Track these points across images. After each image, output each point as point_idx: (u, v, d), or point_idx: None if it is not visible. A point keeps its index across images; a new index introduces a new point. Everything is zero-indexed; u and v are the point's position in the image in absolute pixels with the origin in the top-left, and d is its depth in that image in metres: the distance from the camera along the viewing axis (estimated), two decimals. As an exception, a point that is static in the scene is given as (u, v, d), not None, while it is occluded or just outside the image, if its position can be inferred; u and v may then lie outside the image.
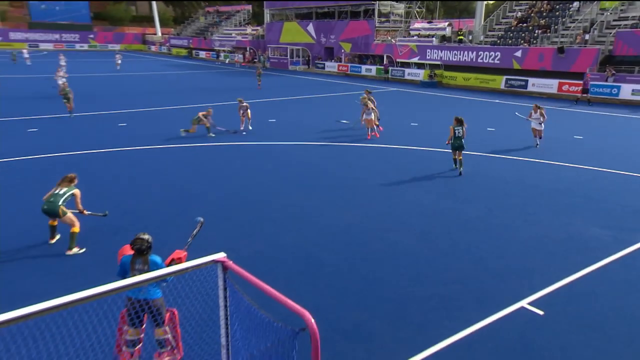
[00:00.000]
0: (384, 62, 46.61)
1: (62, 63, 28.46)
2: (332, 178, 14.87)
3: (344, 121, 19.31)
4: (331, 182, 14.41)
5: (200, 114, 20.07)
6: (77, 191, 9.51)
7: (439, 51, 42.64)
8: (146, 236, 5.99)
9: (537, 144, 18.80)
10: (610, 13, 36.76)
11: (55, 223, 9.60)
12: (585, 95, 30.76)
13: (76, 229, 9.27)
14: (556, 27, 38.25)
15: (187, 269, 3.97)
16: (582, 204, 12.76)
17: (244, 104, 21.27)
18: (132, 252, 6.21)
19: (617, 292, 8.41)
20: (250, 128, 21.49)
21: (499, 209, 12.32)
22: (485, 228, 11.12)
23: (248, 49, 64.07)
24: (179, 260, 6.33)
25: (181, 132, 20.03)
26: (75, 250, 9.25)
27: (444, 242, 10.37)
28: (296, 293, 3.49)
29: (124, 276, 5.83)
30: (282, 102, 30.41)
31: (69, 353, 5.72)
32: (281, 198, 12.96)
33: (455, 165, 15.45)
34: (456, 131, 14.89)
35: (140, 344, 6.25)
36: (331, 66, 52.06)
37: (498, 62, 38.30)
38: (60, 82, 28.39)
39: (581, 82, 32.65)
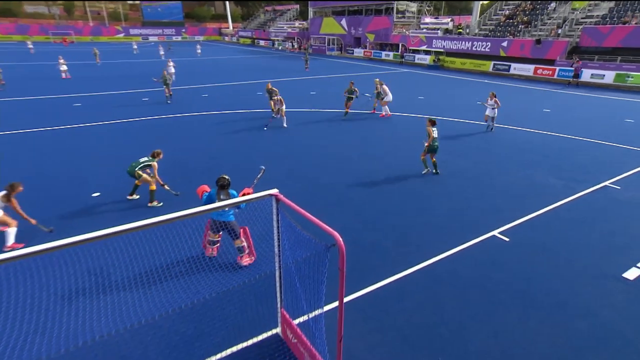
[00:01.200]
0: (400, 49, 44.75)
1: (171, 64, 26.57)
2: (358, 137, 14.70)
3: (367, 94, 18.82)
4: (357, 140, 14.25)
5: (274, 100, 15.87)
6: (154, 164, 8.86)
7: (443, 41, 40.53)
8: (227, 176, 6.45)
9: (492, 128, 15.59)
10: (579, 12, 33.94)
11: (139, 183, 8.90)
12: (575, 79, 28.62)
13: (153, 187, 8.82)
14: (536, 22, 35.55)
15: (252, 199, 4.07)
16: (543, 160, 12.31)
17: (278, 97, 16.04)
18: (208, 190, 6.61)
19: (565, 226, 8.29)
20: (285, 126, 15.93)
21: (481, 162, 12.04)
22: (470, 176, 10.93)
23: (296, 38, 62.40)
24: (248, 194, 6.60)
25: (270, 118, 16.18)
26: (154, 203, 8.91)
27: (440, 185, 10.30)
28: (329, 219, 3.56)
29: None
30: (321, 79, 29.73)
31: (173, 248, 6.12)
32: (321, 149, 12.97)
33: (434, 168, 11.02)
34: (434, 131, 10.63)
35: (218, 244, 6.87)
36: (358, 52, 50.49)
37: (488, 50, 36.20)
38: (171, 70, 26.11)
39: (553, 67, 30.74)
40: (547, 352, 5.07)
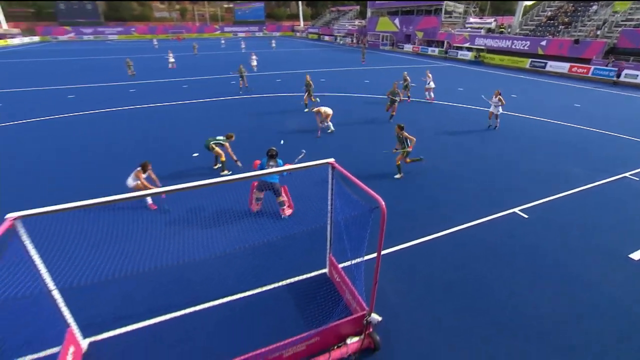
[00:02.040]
0: (444, 46, 41.45)
1: (253, 57, 26.23)
2: (404, 119, 14.07)
3: (413, 84, 17.84)
4: (403, 121, 13.62)
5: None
6: (227, 144, 8.78)
7: (485, 39, 36.76)
8: (274, 148, 6.79)
9: (496, 126, 13.04)
10: (620, 15, 28.95)
11: (216, 155, 8.87)
12: (618, 79, 24.86)
13: (223, 158, 8.76)
14: (576, 24, 31.00)
15: (312, 165, 4.07)
16: (570, 151, 11.02)
17: (325, 112, 11.78)
18: (258, 163, 6.94)
19: (581, 209, 7.50)
20: (331, 130, 12.17)
21: (509, 149, 11.09)
22: (497, 161, 10.15)
23: (355, 34, 59.91)
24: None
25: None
26: (226, 172, 8.82)
27: (469, 167, 9.69)
28: (373, 188, 3.50)
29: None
30: (374, 70, 28.51)
31: (233, 200, 6.40)
32: (368, 129, 12.66)
33: (398, 171, 8.88)
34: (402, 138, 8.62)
35: (261, 201, 7.07)
36: (408, 47, 47.37)
37: (527, 48, 32.31)
38: (253, 63, 25.77)
39: (588, 66, 26.86)
40: (552, 313, 4.78)
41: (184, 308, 4.74)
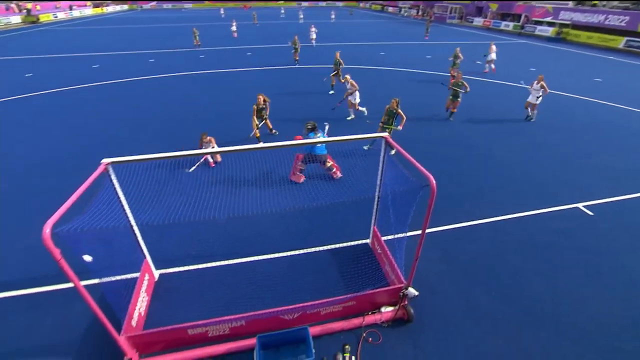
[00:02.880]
0: (521, 20, 36.95)
1: (313, 29, 24.91)
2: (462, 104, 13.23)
3: (478, 62, 16.48)
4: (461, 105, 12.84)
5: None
6: (254, 106, 8.65)
7: (572, 13, 32.08)
8: (312, 121, 7.05)
9: (532, 118, 11.13)
10: None
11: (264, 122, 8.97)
12: None
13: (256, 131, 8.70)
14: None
15: (369, 137, 4.12)
16: (659, 147, 9.64)
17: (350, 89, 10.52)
18: (300, 138, 7.06)
19: (664, 215, 6.63)
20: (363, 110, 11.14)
21: (577, 139, 9.94)
22: (563, 151, 9.21)
23: (420, 6, 55.69)
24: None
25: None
26: (259, 138, 8.79)
27: (528, 156, 8.96)
28: (424, 165, 3.46)
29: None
30: (438, 45, 26.59)
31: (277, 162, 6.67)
32: (423, 108, 12.11)
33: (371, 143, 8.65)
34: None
35: (303, 172, 7.30)
36: (478, 21, 42.91)
37: (624, 24, 27.62)
38: (313, 36, 24.56)
39: None
40: (603, 315, 4.48)
41: (235, 258, 5.24)
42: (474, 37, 32.00)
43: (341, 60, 13.60)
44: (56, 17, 45.62)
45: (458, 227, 6.05)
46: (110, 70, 17.28)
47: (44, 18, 42.54)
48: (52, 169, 7.88)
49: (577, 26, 31.64)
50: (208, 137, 7.88)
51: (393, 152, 8.14)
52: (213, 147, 7.85)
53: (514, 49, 25.84)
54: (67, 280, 2.92)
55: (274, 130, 9.39)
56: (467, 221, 6.20)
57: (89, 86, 14.57)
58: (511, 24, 37.84)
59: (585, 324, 4.38)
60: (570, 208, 6.68)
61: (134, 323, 4.00)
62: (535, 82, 10.90)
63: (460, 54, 15.97)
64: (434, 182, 3.32)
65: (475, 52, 21.67)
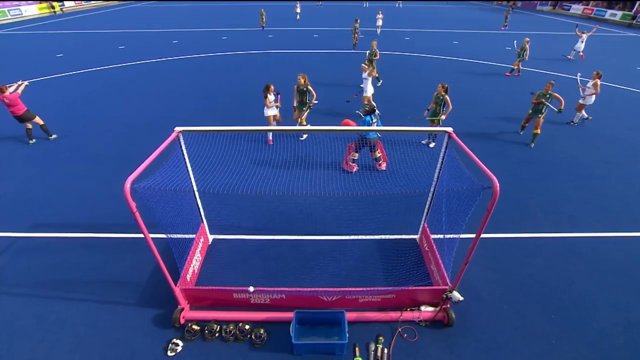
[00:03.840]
0: (635, 9, 30.68)
1: (380, 15, 23.09)
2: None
3: (570, 56, 14.47)
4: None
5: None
6: (295, 87, 8.05)
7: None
8: (372, 104, 6.88)
9: (578, 123, 9.69)
10: None
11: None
12: None
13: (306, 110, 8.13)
14: None
15: (431, 130, 3.91)
16: None
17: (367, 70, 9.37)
18: (349, 122, 6.93)
19: None
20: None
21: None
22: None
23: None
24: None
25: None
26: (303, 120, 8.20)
27: (621, 166, 7.73)
28: (489, 166, 3.18)
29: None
30: (520, 35, 23.83)
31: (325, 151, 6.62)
32: (489, 100, 11.08)
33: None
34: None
35: (356, 162, 7.15)
36: (576, 8, 35.84)
37: None
38: (379, 23, 22.60)
39: None
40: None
41: (282, 234, 5.42)
42: (566, 27, 27.68)
43: (377, 51, 11.95)
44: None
45: (519, 237, 5.54)
46: (189, 45, 18.57)
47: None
48: (140, 130, 8.94)
49: None
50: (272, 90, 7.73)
51: (432, 144, 7.59)
52: (278, 107, 8.01)
53: (621, 44, 21.98)
54: (139, 231, 3.30)
55: (304, 122, 8.10)
56: (531, 232, 5.64)
57: (170, 59, 15.87)
58: (619, 13, 31.80)
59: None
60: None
61: (188, 278, 4.40)
62: (591, 79, 9.41)
63: (527, 46, 14.00)
64: (498, 185, 3.04)
65: (564, 45, 19.02)
